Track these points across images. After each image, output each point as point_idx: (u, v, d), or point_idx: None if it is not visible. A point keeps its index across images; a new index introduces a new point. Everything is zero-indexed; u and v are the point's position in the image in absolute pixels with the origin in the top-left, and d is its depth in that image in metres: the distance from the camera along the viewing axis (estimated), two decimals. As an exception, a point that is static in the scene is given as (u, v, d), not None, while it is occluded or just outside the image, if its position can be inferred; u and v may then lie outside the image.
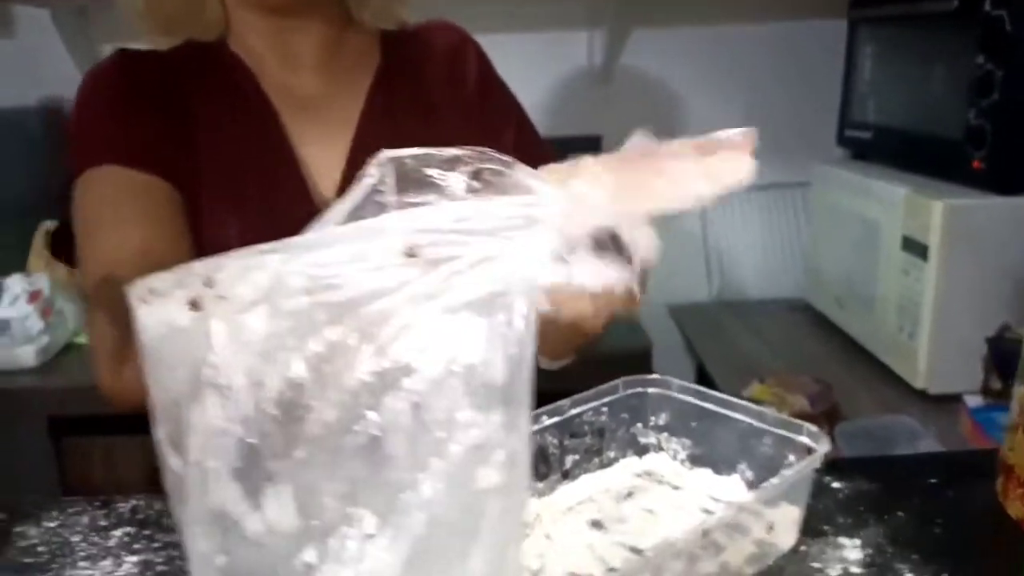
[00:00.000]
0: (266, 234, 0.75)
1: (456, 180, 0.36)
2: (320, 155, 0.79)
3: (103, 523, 0.54)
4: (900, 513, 0.52)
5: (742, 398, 1.44)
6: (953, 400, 1.43)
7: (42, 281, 1.53)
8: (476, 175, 0.36)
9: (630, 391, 0.63)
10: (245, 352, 0.29)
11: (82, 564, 0.50)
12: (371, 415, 0.29)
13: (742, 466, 0.54)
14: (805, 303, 1.97)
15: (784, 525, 0.49)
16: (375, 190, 0.37)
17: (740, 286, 2.03)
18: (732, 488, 0.54)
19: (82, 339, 1.59)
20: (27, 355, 1.45)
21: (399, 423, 0.29)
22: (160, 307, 0.30)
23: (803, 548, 0.49)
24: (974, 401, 1.37)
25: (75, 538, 0.53)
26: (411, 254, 0.30)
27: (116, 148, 0.73)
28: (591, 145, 1.98)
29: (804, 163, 1.95)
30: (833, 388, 1.44)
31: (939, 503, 0.55)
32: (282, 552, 0.30)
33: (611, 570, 0.48)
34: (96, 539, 0.53)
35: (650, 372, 1.56)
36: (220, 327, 0.29)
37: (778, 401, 1.41)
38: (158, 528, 0.54)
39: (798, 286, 2.03)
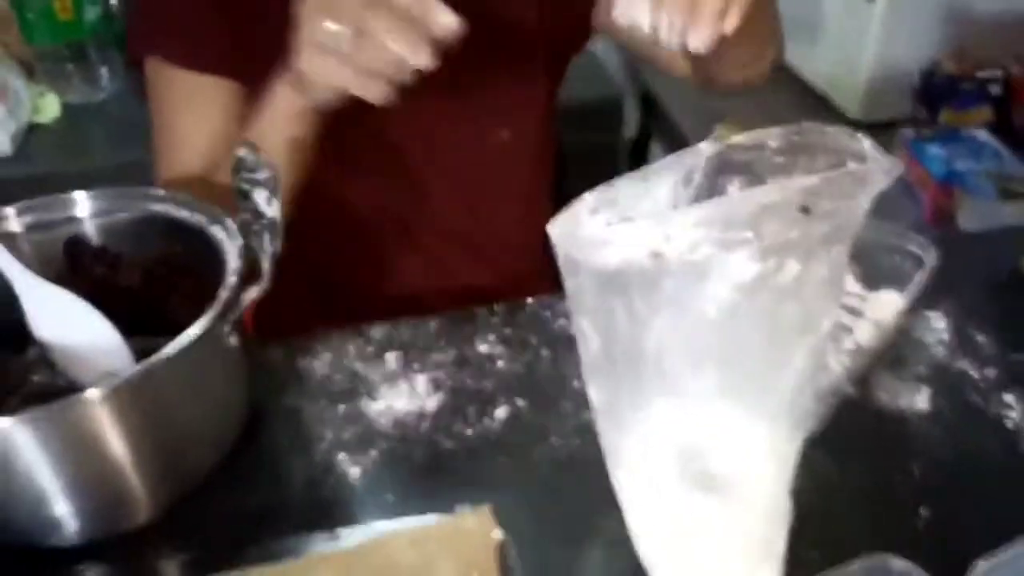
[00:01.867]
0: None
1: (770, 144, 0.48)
2: None
3: (370, 350, 0.66)
4: (963, 290, 0.73)
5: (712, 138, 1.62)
6: (882, 127, 1.66)
7: (-13, 63, 1.44)
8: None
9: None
10: (692, 278, 0.43)
11: (383, 388, 0.63)
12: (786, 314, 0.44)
13: (852, 263, 0.73)
14: (743, 33, 2.09)
15: (894, 310, 0.69)
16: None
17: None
18: (847, 282, 0.73)
19: (41, 118, 1.55)
20: (2, 144, 1.42)
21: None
22: (623, 249, 0.43)
23: (901, 323, 0.70)
24: (908, 133, 1.61)
25: (358, 366, 0.65)
26: (806, 209, 0.43)
27: (181, 48, 0.72)
28: None
29: None
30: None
31: (986, 279, 0.76)
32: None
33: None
34: (377, 365, 0.64)
35: (621, 122, 1.70)
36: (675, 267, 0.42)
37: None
38: (424, 350, 0.66)
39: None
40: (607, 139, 1.67)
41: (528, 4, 0.79)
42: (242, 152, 0.54)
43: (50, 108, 1.55)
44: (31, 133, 1.52)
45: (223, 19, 0.71)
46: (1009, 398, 0.63)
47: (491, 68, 0.79)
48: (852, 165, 0.46)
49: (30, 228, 0.60)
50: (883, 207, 1.04)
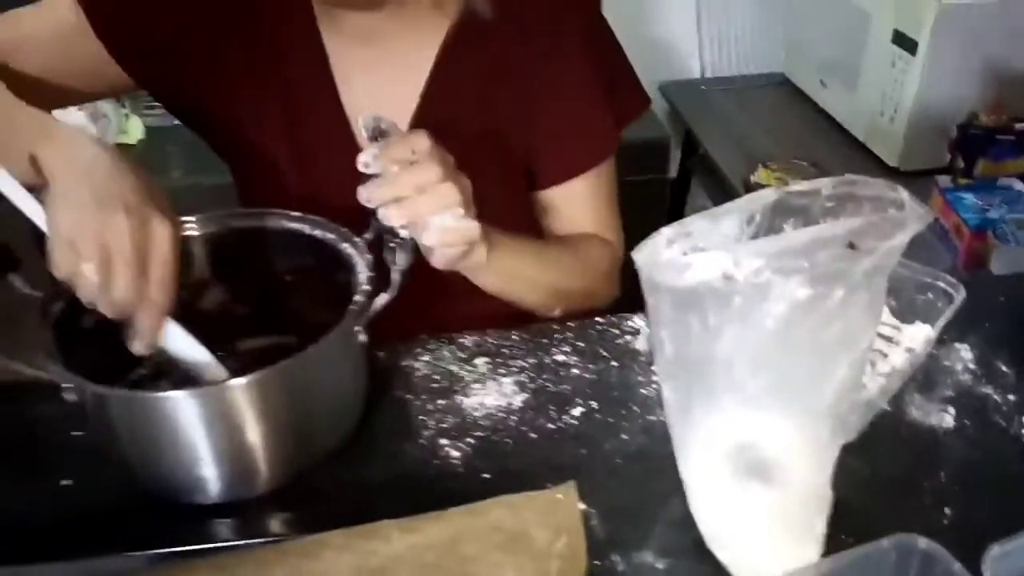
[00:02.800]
0: (301, 171, 0.83)
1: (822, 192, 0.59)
2: (373, 104, 0.77)
3: (462, 355, 0.77)
4: (987, 324, 0.84)
5: (750, 183, 1.72)
6: (921, 175, 1.76)
7: (84, 84, 1.58)
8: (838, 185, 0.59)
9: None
10: (757, 297, 0.53)
11: (475, 387, 0.74)
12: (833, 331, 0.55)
13: (889, 298, 0.83)
14: (784, 78, 2.21)
15: (925, 340, 0.79)
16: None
17: (726, 61, 2.24)
18: (884, 314, 0.83)
19: (127, 139, 1.69)
20: (92, 162, 1.56)
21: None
22: (699, 273, 0.54)
23: (933, 352, 0.80)
24: (944, 181, 1.71)
25: (453, 368, 0.76)
26: (852, 245, 0.54)
27: (104, 15, 0.78)
28: None
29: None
30: (828, 174, 1.73)
31: (1009, 316, 0.85)
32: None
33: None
34: (469, 368, 0.76)
35: (667, 161, 1.82)
36: (742, 287, 0.53)
37: (782, 185, 1.70)
38: (509, 357, 0.78)
39: (777, 61, 2.24)
40: (653, 177, 1.79)
41: (518, 141, 0.88)
42: (374, 182, 0.66)
43: (135, 130, 1.70)
44: (117, 152, 1.65)
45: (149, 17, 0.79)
46: (1028, 420, 0.73)
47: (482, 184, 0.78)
48: (892, 211, 0.57)
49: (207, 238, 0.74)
50: (922, 250, 1.17)
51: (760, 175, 1.73)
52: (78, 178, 0.59)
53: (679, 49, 2.21)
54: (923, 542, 0.55)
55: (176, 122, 1.70)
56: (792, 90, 2.15)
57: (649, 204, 1.82)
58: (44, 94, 0.76)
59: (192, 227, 0.73)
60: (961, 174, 1.72)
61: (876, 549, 0.55)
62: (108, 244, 0.57)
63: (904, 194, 0.57)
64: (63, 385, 0.59)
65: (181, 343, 0.66)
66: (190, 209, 0.73)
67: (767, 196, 0.62)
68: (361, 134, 0.65)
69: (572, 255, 0.90)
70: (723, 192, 1.93)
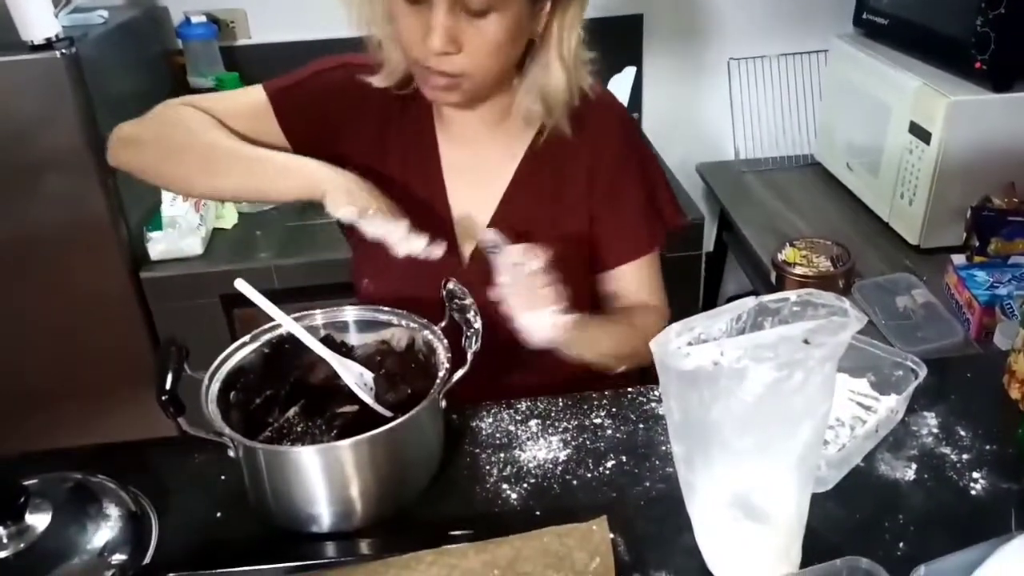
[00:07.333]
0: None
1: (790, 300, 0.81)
2: (469, 202, 1.13)
3: (518, 417, 1.01)
4: (952, 396, 1.04)
5: (777, 260, 1.91)
6: (939, 252, 1.94)
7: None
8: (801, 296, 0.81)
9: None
10: (737, 378, 0.75)
11: (528, 443, 0.97)
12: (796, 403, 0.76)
13: (869, 374, 1.04)
14: (815, 161, 2.42)
15: (891, 408, 0.99)
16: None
17: (759, 144, 2.47)
18: (863, 387, 1.04)
19: (223, 224, 1.96)
20: (194, 245, 1.83)
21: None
22: (696, 359, 0.76)
23: (904, 419, 1.00)
24: (958, 260, 1.90)
25: (512, 427, 0.99)
26: (807, 341, 0.76)
27: (285, 105, 1.11)
28: (634, 23, 2.36)
29: (822, 35, 2.33)
30: (851, 252, 1.92)
31: (972, 389, 1.07)
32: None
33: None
34: (524, 428, 0.99)
35: (701, 239, 2.04)
36: (727, 371, 0.75)
37: (807, 262, 1.90)
38: (555, 419, 1.00)
39: (809, 144, 2.46)
40: (689, 254, 2.01)
41: (581, 233, 1.18)
42: (451, 285, 0.90)
43: (230, 216, 1.97)
44: (214, 236, 1.93)
45: (320, 119, 1.13)
46: (977, 475, 0.92)
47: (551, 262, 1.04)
48: (837, 317, 0.78)
49: (325, 325, 0.99)
50: (939, 324, 1.40)
51: (787, 253, 1.93)
52: (350, 184, 0.99)
53: (715, 134, 2.44)
54: (865, 562, 0.75)
55: (264, 208, 1.98)
56: (822, 171, 2.36)
57: (685, 278, 2.03)
58: None
59: (314, 318, 0.97)
60: (976, 252, 1.91)
61: (830, 567, 0.75)
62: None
63: (847, 303, 0.79)
64: (230, 444, 0.83)
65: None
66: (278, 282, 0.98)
67: (750, 302, 0.84)
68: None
69: (631, 326, 1.17)
70: (754, 268, 2.14)
